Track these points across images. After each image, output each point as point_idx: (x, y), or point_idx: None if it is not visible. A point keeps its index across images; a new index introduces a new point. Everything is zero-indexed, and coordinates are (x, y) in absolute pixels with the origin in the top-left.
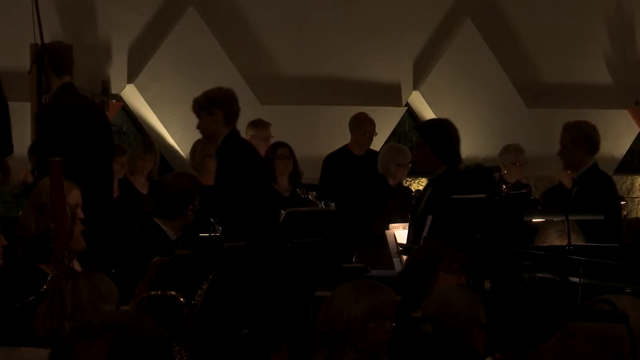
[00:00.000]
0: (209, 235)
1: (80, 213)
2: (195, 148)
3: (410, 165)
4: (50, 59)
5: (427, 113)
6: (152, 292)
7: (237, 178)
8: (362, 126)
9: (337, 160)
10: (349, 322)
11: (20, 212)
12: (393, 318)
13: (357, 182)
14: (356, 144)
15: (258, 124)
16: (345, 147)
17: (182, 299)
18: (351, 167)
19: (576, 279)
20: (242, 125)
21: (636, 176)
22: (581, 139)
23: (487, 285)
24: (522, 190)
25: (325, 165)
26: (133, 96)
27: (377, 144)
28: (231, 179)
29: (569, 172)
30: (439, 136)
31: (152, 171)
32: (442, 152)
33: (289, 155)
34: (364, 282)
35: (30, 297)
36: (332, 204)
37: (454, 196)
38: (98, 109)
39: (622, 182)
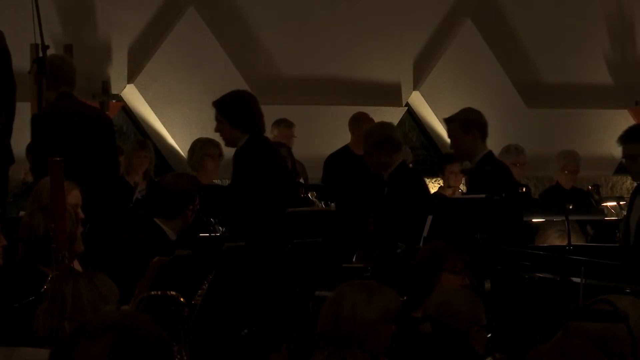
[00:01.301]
0: (209, 235)
1: (80, 213)
2: (194, 147)
3: (411, 165)
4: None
5: (427, 113)
6: (152, 292)
7: (255, 180)
8: (362, 126)
9: (338, 161)
10: (362, 324)
11: (23, 213)
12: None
13: (359, 182)
14: (357, 143)
15: (281, 123)
16: (346, 147)
17: (182, 299)
18: (352, 167)
19: (576, 279)
20: None
21: None
22: (381, 141)
23: (487, 285)
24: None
25: (327, 166)
26: (133, 96)
27: None
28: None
29: (566, 172)
30: (232, 109)
31: (149, 169)
32: (240, 123)
33: (288, 155)
34: (372, 282)
35: (30, 297)
36: (332, 204)
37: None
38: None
39: (622, 182)
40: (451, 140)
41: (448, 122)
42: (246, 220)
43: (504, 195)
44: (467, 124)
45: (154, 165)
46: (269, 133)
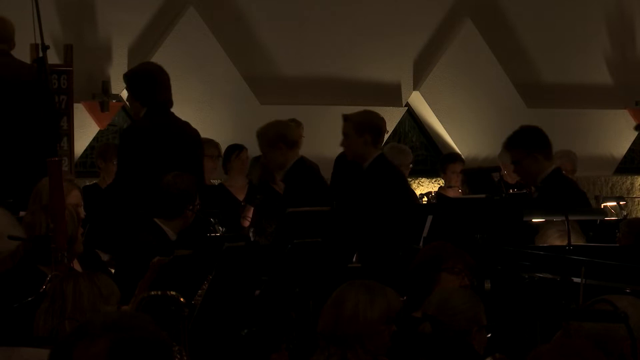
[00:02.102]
0: (209, 235)
1: (81, 213)
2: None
3: (411, 165)
4: None
5: (427, 113)
6: (152, 292)
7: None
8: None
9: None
10: (364, 324)
11: (25, 213)
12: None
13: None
14: None
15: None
16: None
17: (182, 299)
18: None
19: (576, 279)
20: (243, 125)
21: (636, 176)
22: (275, 139)
23: (487, 285)
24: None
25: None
26: None
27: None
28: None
29: (563, 172)
30: (133, 81)
31: None
32: (139, 96)
33: None
34: (373, 283)
35: (30, 298)
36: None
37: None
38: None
39: (622, 182)
40: (343, 138)
41: (344, 119)
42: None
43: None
44: (361, 126)
45: None
46: (245, 134)
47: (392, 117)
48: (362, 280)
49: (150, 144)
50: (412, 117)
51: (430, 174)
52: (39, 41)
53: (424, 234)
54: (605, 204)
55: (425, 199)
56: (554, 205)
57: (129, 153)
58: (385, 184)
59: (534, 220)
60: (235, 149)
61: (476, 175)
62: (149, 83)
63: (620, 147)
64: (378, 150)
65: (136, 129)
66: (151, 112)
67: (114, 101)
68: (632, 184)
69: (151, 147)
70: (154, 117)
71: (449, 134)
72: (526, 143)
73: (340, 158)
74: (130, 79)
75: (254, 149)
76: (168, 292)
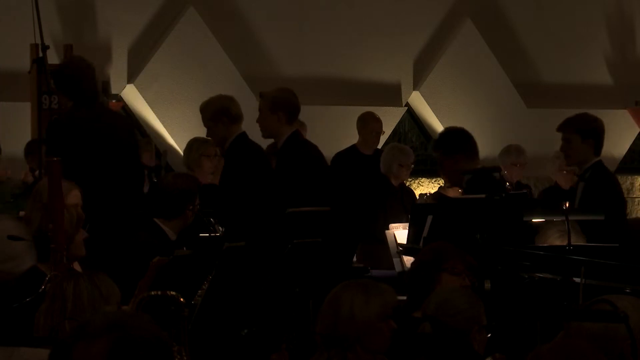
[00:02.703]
0: (209, 235)
1: (81, 213)
2: (191, 147)
3: (412, 165)
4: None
5: (427, 113)
6: (152, 292)
7: (243, 179)
8: (369, 125)
9: (346, 160)
10: (362, 323)
11: (23, 213)
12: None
13: (365, 182)
14: (364, 143)
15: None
16: (354, 146)
17: (182, 299)
18: (359, 166)
19: (576, 279)
20: (243, 126)
21: (636, 176)
22: (217, 113)
23: (487, 285)
24: (523, 191)
25: (334, 164)
26: (133, 96)
27: (379, 144)
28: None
29: (564, 172)
30: (60, 78)
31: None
32: (66, 91)
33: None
34: (369, 281)
35: (29, 298)
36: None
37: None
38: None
39: (622, 182)
40: (259, 115)
41: (260, 96)
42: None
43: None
44: (275, 103)
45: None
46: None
47: (392, 117)
48: (357, 280)
49: (73, 136)
50: (412, 117)
51: (430, 174)
52: (39, 41)
53: (424, 234)
54: None
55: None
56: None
57: (53, 146)
58: (300, 162)
59: (534, 220)
60: None
61: (476, 175)
62: (74, 77)
63: (620, 147)
64: (292, 128)
65: (59, 122)
66: (77, 105)
67: (114, 101)
68: (632, 184)
69: (75, 139)
70: (79, 109)
71: None
72: (447, 145)
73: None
74: (55, 74)
75: None
76: (168, 292)
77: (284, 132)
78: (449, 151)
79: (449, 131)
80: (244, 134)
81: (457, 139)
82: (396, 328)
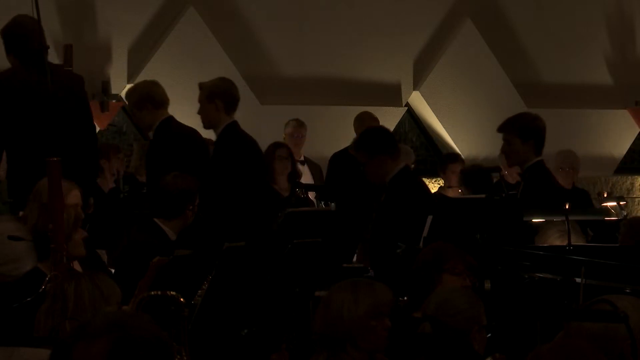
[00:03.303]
0: (209, 235)
1: (80, 213)
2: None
3: (413, 165)
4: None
5: (427, 113)
6: (152, 292)
7: (167, 163)
8: (367, 125)
9: (344, 160)
10: (351, 322)
11: (22, 213)
12: (389, 314)
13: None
14: None
15: (291, 122)
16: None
17: (182, 299)
18: (357, 166)
19: (576, 279)
20: (243, 125)
21: (636, 176)
22: (141, 99)
23: (487, 285)
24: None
25: (332, 164)
26: None
27: None
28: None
29: (563, 171)
30: (6, 37)
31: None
32: (12, 49)
33: (288, 156)
34: (360, 280)
35: (29, 298)
36: (332, 204)
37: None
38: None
39: (622, 182)
40: (199, 106)
41: (199, 87)
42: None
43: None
44: (212, 92)
45: None
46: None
47: (392, 117)
48: (351, 279)
49: (11, 92)
50: (412, 117)
51: (430, 174)
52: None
53: (424, 234)
54: (605, 204)
55: None
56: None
57: None
58: (235, 152)
59: (534, 220)
60: None
61: (475, 175)
62: (18, 33)
63: (620, 147)
64: (231, 118)
65: None
66: (22, 62)
67: (113, 101)
68: (632, 184)
69: (13, 95)
70: (23, 66)
71: (449, 134)
72: (368, 145)
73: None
74: (2, 33)
75: None
76: (168, 292)
77: (222, 121)
78: (374, 152)
79: (371, 131)
80: (169, 119)
81: (381, 140)
82: (391, 326)
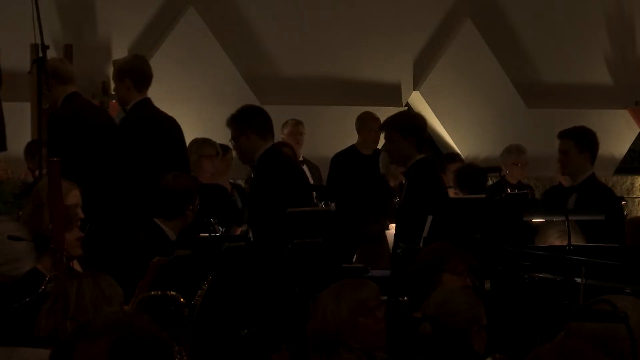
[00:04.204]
0: (209, 235)
1: (80, 213)
2: (190, 149)
3: None
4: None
5: (427, 113)
6: (152, 292)
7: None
8: (368, 125)
9: (345, 160)
10: (337, 326)
11: (21, 212)
12: (381, 306)
13: (364, 182)
14: (364, 143)
15: (288, 122)
16: (353, 146)
17: (182, 299)
18: (359, 166)
19: (576, 279)
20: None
21: (636, 176)
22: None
23: (487, 285)
24: (524, 191)
25: (333, 164)
26: None
27: (379, 144)
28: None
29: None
30: None
31: None
32: None
33: (291, 156)
34: (343, 282)
35: (29, 298)
36: (332, 204)
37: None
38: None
39: (622, 182)
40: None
41: (112, 65)
42: None
43: None
44: (122, 71)
45: None
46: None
47: None
48: (336, 283)
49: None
50: None
51: None
52: (39, 41)
53: (424, 234)
54: None
55: None
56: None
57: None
58: (142, 129)
59: (534, 220)
60: None
61: (470, 175)
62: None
63: (620, 147)
64: (142, 95)
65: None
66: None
67: (114, 101)
68: (632, 184)
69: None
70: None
71: (449, 134)
72: (239, 122)
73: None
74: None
75: None
76: (168, 292)
77: (132, 98)
78: (244, 129)
79: (244, 109)
80: (73, 94)
81: (252, 117)
82: (384, 318)
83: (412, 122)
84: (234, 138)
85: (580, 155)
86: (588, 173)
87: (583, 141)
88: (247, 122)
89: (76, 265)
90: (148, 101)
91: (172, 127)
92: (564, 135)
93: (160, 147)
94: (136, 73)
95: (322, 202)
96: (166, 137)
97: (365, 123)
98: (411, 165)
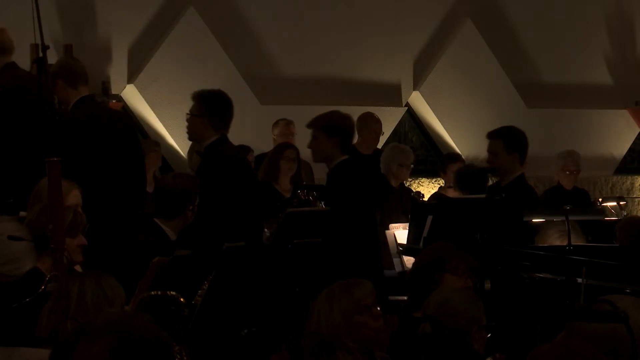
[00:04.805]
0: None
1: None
2: (193, 148)
3: (412, 165)
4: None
5: (427, 113)
6: (152, 292)
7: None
8: (369, 125)
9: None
10: (332, 329)
11: (24, 213)
12: (377, 302)
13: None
14: (364, 143)
15: (279, 122)
16: (353, 146)
17: (182, 299)
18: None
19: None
20: (243, 125)
21: (636, 176)
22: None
23: (487, 285)
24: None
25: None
26: (133, 96)
27: (379, 144)
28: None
29: (567, 172)
30: None
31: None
32: None
33: (295, 158)
34: (336, 284)
35: (29, 298)
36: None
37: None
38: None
39: (622, 182)
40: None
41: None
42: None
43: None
44: (53, 74)
45: (159, 166)
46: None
47: (392, 117)
48: (328, 287)
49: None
50: (412, 117)
51: (430, 174)
52: (39, 41)
53: (424, 234)
54: (605, 204)
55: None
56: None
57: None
58: (81, 127)
59: (534, 220)
60: (248, 151)
61: (469, 176)
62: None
63: (620, 147)
64: (80, 93)
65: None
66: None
67: (114, 101)
68: (632, 184)
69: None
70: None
71: (449, 134)
72: (203, 103)
73: None
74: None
75: (255, 149)
76: (168, 292)
77: (71, 97)
78: (204, 111)
79: (216, 94)
80: (10, 64)
81: (218, 105)
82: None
83: (339, 123)
84: (191, 113)
85: (509, 156)
86: (517, 173)
87: (512, 141)
88: (211, 108)
89: (77, 269)
90: (88, 98)
91: (113, 122)
92: (493, 135)
93: (101, 143)
94: (65, 72)
95: (322, 202)
96: (107, 132)
97: (367, 123)
98: (334, 166)
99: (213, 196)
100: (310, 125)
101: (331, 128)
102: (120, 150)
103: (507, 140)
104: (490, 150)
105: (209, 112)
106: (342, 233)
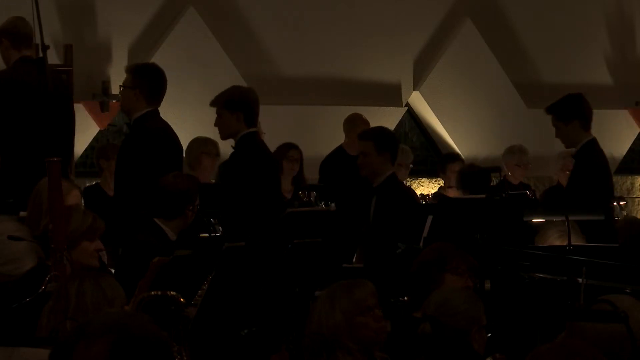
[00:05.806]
0: (209, 235)
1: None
2: (192, 146)
3: (411, 165)
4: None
5: (427, 113)
6: (152, 292)
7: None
8: (357, 127)
9: (333, 162)
10: (333, 329)
11: (24, 213)
12: (378, 304)
13: (353, 182)
14: (351, 144)
15: None
16: (340, 147)
17: (182, 299)
18: (347, 167)
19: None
20: None
21: (636, 176)
22: None
23: (487, 285)
24: (526, 192)
25: (322, 168)
26: None
27: None
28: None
29: (567, 172)
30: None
31: None
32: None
33: (298, 158)
34: (337, 284)
35: (29, 298)
36: (332, 204)
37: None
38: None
39: (622, 182)
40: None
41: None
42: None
43: None
44: (1, 31)
45: None
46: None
47: (392, 117)
48: (332, 285)
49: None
50: (412, 117)
51: (430, 174)
52: (39, 41)
53: (424, 234)
54: None
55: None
56: None
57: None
58: (18, 87)
59: (534, 220)
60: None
61: (473, 176)
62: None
63: (620, 147)
64: (21, 54)
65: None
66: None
67: (114, 101)
68: (632, 184)
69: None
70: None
71: (449, 134)
72: (138, 76)
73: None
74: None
75: None
76: (168, 292)
77: (12, 57)
78: (138, 83)
79: (152, 67)
80: (23, 58)
81: (151, 77)
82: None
83: (239, 97)
84: (124, 85)
85: (380, 156)
86: (387, 173)
87: (382, 142)
88: (144, 80)
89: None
90: (28, 58)
91: (47, 82)
92: (363, 136)
93: (31, 101)
94: (11, 33)
95: (322, 202)
96: (38, 92)
97: (356, 124)
98: (238, 139)
99: (133, 167)
100: (212, 103)
101: (233, 104)
102: (49, 110)
103: (377, 141)
104: (360, 150)
105: (142, 84)
106: (234, 206)
